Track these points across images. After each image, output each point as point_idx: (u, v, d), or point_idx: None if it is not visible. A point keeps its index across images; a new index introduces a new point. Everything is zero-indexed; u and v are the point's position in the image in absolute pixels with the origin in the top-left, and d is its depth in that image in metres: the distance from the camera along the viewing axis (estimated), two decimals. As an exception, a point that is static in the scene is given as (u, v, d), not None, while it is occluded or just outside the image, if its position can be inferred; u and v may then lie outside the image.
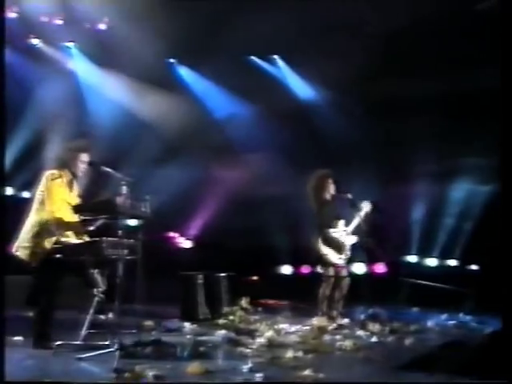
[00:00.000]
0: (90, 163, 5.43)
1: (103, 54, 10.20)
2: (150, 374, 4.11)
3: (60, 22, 9.93)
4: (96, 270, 5.14)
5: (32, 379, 4.14)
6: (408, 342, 5.77)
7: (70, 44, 10.45)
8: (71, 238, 5.24)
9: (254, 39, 9.29)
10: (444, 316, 7.49)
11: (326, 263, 6.91)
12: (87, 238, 5.31)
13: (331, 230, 6.94)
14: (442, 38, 8.94)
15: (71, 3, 9.50)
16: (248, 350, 5.10)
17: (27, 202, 5.40)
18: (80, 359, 4.60)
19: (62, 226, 5.16)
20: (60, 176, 5.25)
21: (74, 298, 5.17)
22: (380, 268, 10.07)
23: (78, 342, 4.95)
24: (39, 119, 9.81)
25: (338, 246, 6.94)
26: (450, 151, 9.44)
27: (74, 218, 5.21)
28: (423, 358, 5.05)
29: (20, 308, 6.22)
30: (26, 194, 9.60)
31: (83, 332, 5.02)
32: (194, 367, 4.33)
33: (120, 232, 5.03)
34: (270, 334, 5.81)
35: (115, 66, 10.20)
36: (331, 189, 7.04)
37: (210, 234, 10.55)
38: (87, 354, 4.66)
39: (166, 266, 8.43)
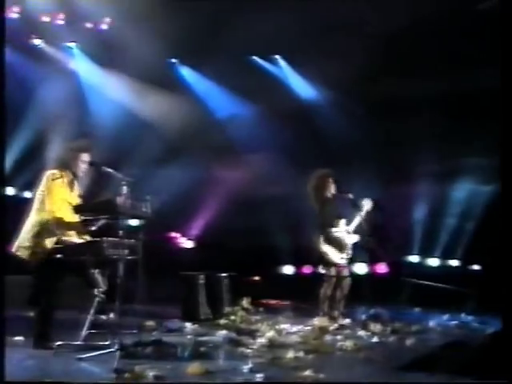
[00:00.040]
0: (91, 163, 5.43)
1: (105, 54, 10.21)
2: (151, 374, 4.11)
3: (62, 22, 9.94)
4: (97, 270, 5.14)
5: (32, 379, 4.13)
6: (409, 342, 5.75)
7: (72, 44, 10.46)
8: (73, 238, 5.24)
9: (255, 39, 9.29)
10: (446, 316, 7.47)
11: (328, 263, 6.90)
12: (88, 238, 5.31)
13: (333, 230, 6.94)
14: (442, 38, 8.94)
15: (73, 3, 9.51)
16: (249, 351, 5.08)
17: (29, 202, 5.40)
18: (80, 359, 4.60)
19: (63, 225, 5.15)
20: (61, 176, 5.25)
21: (75, 298, 5.17)
22: (382, 268, 10.06)
23: (78, 343, 4.94)
24: (41, 119, 9.81)
25: (339, 246, 6.93)
26: (452, 151, 9.43)
27: (75, 217, 5.21)
28: (424, 359, 5.04)
29: (21, 308, 6.21)
30: (27, 194, 9.60)
31: (84, 332, 5.02)
32: (194, 367, 4.32)
33: (121, 232, 5.02)
34: (270, 334, 5.79)
35: (117, 66, 10.21)
36: (332, 188, 7.03)
37: (212, 234, 10.56)
38: (87, 355, 4.65)
39: (167, 266, 8.43)
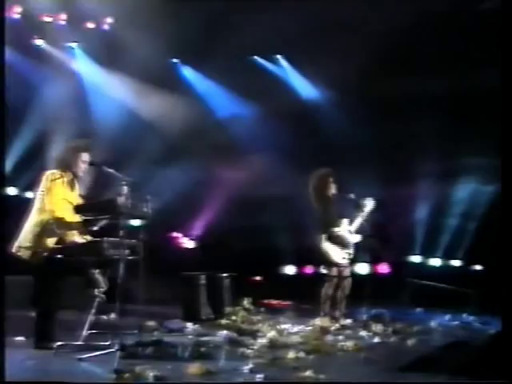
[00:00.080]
0: (92, 163, 5.43)
1: (106, 54, 10.21)
2: (151, 374, 4.10)
3: (63, 22, 9.95)
4: (97, 271, 5.14)
5: (32, 380, 4.13)
6: (411, 342, 5.73)
7: (74, 44, 10.47)
8: (74, 238, 5.24)
9: (256, 39, 9.28)
10: (447, 317, 7.45)
11: (329, 263, 6.88)
12: (89, 238, 5.31)
13: (334, 230, 6.92)
14: (446, 38, 8.91)
15: (74, 3, 9.52)
16: (249, 351, 5.07)
17: (30, 203, 5.40)
18: (81, 360, 4.59)
19: (63, 225, 5.16)
20: (61, 176, 5.25)
21: (75, 298, 5.17)
22: (383, 268, 10.04)
23: (78, 343, 4.94)
24: (43, 119, 9.81)
25: (340, 246, 6.91)
26: (454, 151, 9.40)
27: (76, 217, 5.20)
28: (426, 359, 5.02)
29: (22, 308, 6.20)
30: (29, 195, 9.61)
31: (84, 332, 5.02)
32: (194, 368, 4.31)
33: (121, 232, 5.01)
34: (272, 334, 5.79)
35: (118, 66, 10.20)
36: (332, 188, 7.02)
37: (214, 234, 10.55)
38: (88, 355, 4.65)
39: (168, 266, 8.43)
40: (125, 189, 5.07)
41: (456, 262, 10.05)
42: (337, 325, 6.51)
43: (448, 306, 7.71)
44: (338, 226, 6.96)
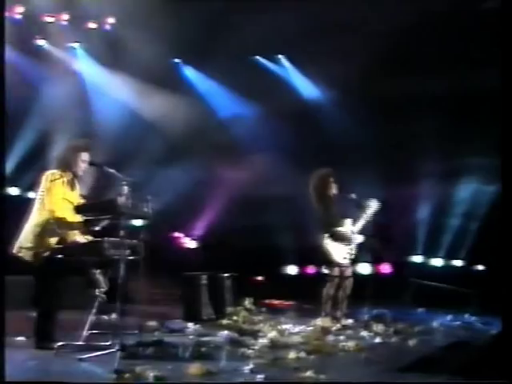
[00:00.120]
0: (92, 163, 5.43)
1: (108, 54, 10.22)
2: (151, 374, 4.10)
3: (65, 22, 9.96)
4: (98, 271, 5.14)
5: (33, 380, 4.13)
6: (412, 342, 5.72)
7: (76, 44, 10.47)
8: (75, 238, 5.24)
9: (258, 39, 9.27)
10: (449, 317, 7.44)
11: (331, 263, 6.87)
12: (91, 238, 5.31)
13: (336, 230, 6.91)
14: (447, 38, 8.90)
15: (76, 3, 9.53)
16: (250, 351, 5.06)
17: (32, 203, 5.40)
18: (81, 360, 4.59)
19: (64, 225, 5.16)
20: (61, 176, 5.26)
21: (76, 298, 5.17)
22: (385, 268, 10.04)
23: (79, 343, 4.95)
24: (45, 120, 9.82)
25: (342, 246, 6.90)
26: (456, 151, 9.39)
27: (76, 217, 5.20)
28: (427, 359, 5.01)
29: (23, 308, 6.21)
30: (31, 195, 9.62)
31: (85, 333, 5.02)
32: (195, 368, 4.30)
33: (122, 232, 5.00)
34: (273, 334, 5.78)
35: (120, 66, 10.21)
36: (333, 188, 7.00)
37: (215, 234, 10.55)
38: (88, 355, 4.65)
39: (170, 266, 8.43)
40: (125, 189, 5.07)
41: (458, 262, 10.03)
42: (338, 325, 6.50)
43: (450, 307, 7.69)
44: (339, 225, 6.95)
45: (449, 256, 10.07)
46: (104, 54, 10.27)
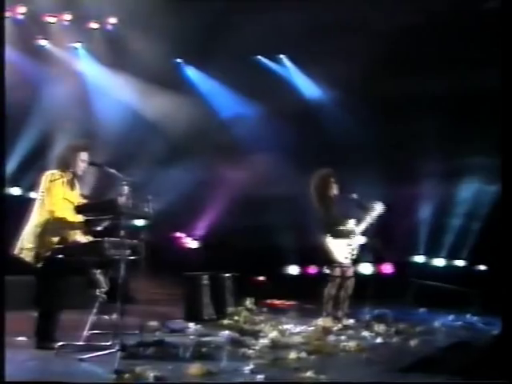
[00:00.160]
0: (93, 163, 5.44)
1: (110, 54, 10.23)
2: (151, 374, 4.09)
3: (67, 22, 9.97)
4: (98, 271, 5.14)
5: (33, 380, 4.13)
6: (413, 343, 5.70)
7: (77, 44, 10.48)
8: (76, 238, 5.24)
9: (260, 39, 9.28)
10: (451, 317, 7.42)
11: (332, 262, 6.86)
12: (91, 238, 5.31)
13: (337, 230, 6.89)
14: (449, 38, 8.88)
15: (78, 4, 9.54)
16: (251, 351, 5.05)
17: (32, 203, 5.40)
18: (81, 360, 4.59)
19: (65, 225, 5.16)
20: (60, 176, 5.26)
21: (77, 298, 5.16)
22: (387, 268, 10.02)
23: (79, 343, 4.95)
24: (47, 120, 9.84)
25: (343, 246, 6.89)
26: (458, 151, 9.37)
27: (77, 217, 5.20)
28: (428, 360, 4.99)
29: (24, 308, 6.21)
30: (34, 195, 9.63)
31: (85, 333, 5.02)
32: (195, 368, 4.30)
33: (122, 232, 5.00)
34: (273, 334, 5.77)
35: (122, 66, 10.22)
36: (334, 188, 6.99)
37: (217, 234, 10.54)
38: (89, 355, 4.65)
39: (171, 266, 8.43)
40: (125, 189, 5.07)
41: (459, 262, 10.01)
42: (339, 325, 6.49)
43: (451, 307, 7.67)
44: (341, 225, 6.93)
45: (450, 256, 10.05)
46: (106, 54, 10.30)
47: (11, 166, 9.74)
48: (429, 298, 8.06)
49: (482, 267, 9.71)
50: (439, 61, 9.18)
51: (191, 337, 5.82)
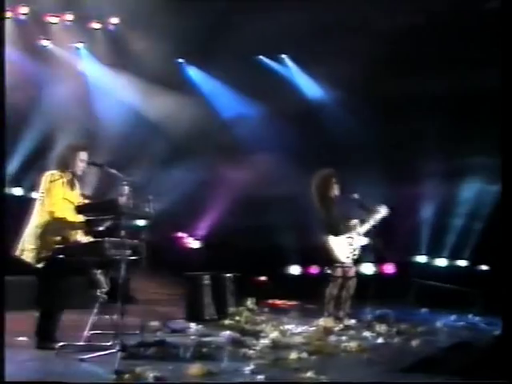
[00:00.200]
0: (92, 163, 5.43)
1: (112, 54, 10.24)
2: (151, 375, 4.09)
3: (69, 22, 9.99)
4: (99, 271, 5.14)
5: (33, 380, 4.13)
6: (415, 343, 5.68)
7: (79, 45, 10.49)
8: (77, 238, 5.24)
9: (262, 39, 9.28)
10: (453, 317, 7.39)
11: (333, 262, 6.85)
12: (92, 239, 5.31)
13: (338, 230, 6.88)
14: (453, 38, 8.87)
15: (80, 4, 9.55)
16: (251, 352, 5.04)
17: (33, 204, 5.40)
18: (82, 360, 4.59)
19: (65, 225, 5.16)
20: (60, 177, 5.26)
21: (77, 298, 5.16)
22: (389, 268, 10.01)
23: (80, 343, 4.95)
24: (49, 120, 9.85)
25: (345, 246, 6.87)
26: (460, 151, 9.35)
27: (77, 217, 5.20)
28: (429, 360, 4.97)
29: (25, 309, 6.22)
30: (36, 195, 9.63)
31: (86, 333, 5.02)
32: (195, 369, 4.29)
33: (123, 232, 4.99)
34: (274, 335, 5.76)
35: (124, 66, 10.23)
36: (335, 189, 6.98)
37: (219, 234, 10.54)
38: (89, 355, 4.64)
39: (173, 266, 8.43)
40: (126, 189, 5.07)
41: (462, 262, 9.99)
42: (340, 325, 6.47)
43: (453, 307, 7.64)
44: (341, 226, 6.92)
45: (452, 256, 10.03)
46: (107, 55, 10.32)
47: (14, 166, 9.76)
48: (431, 298, 8.05)
49: (484, 267, 9.68)
50: (442, 61, 9.16)
51: (192, 337, 5.81)
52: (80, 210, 5.13)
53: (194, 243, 11.13)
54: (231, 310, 7.12)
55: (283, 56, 10.81)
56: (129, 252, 5.08)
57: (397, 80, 9.22)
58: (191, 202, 10.02)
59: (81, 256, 5.01)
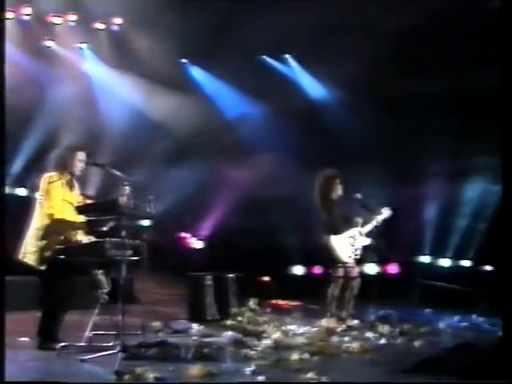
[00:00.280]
0: (93, 164, 5.43)
1: (115, 54, 10.25)
2: (151, 375, 4.08)
3: (73, 23, 10.00)
4: (100, 271, 5.13)
5: (34, 380, 4.13)
6: (418, 343, 5.65)
7: (83, 45, 10.50)
8: (79, 238, 5.24)
9: (265, 39, 9.28)
10: (456, 317, 7.36)
11: (335, 262, 6.83)
12: (93, 239, 5.30)
13: (341, 230, 6.86)
14: (456, 37, 8.84)
15: (83, 4, 9.56)
16: (253, 352, 5.03)
17: (34, 206, 5.40)
18: (83, 361, 4.59)
19: (65, 226, 5.15)
20: (59, 178, 5.25)
21: (79, 299, 5.16)
22: (392, 268, 9.98)
23: (81, 344, 4.94)
24: (53, 120, 9.86)
25: (348, 247, 6.85)
26: (464, 151, 9.32)
27: (78, 217, 5.19)
28: (432, 361, 4.95)
29: (27, 309, 6.22)
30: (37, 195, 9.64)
31: (87, 333, 5.02)
32: (196, 369, 4.28)
33: (123, 232, 4.98)
34: (276, 335, 5.74)
35: (127, 66, 10.24)
36: (338, 189, 6.95)
37: (221, 234, 10.53)
38: (90, 356, 4.64)
39: (175, 267, 8.43)
40: (127, 189, 5.06)
41: (465, 263, 9.95)
42: (343, 326, 6.45)
43: (457, 307, 7.61)
44: (345, 226, 6.90)
45: (456, 256, 9.99)
46: (111, 55, 10.32)
47: (18, 166, 9.78)
48: (434, 299, 8.02)
49: (488, 267, 9.64)
50: (445, 60, 9.13)
51: (194, 337, 5.80)
52: (81, 210, 5.13)
53: (197, 243, 11.11)
54: (233, 310, 7.09)
55: (286, 56, 10.80)
56: (130, 252, 5.07)
57: (400, 80, 9.19)
58: (194, 202, 10.02)
59: (82, 256, 5.00)
